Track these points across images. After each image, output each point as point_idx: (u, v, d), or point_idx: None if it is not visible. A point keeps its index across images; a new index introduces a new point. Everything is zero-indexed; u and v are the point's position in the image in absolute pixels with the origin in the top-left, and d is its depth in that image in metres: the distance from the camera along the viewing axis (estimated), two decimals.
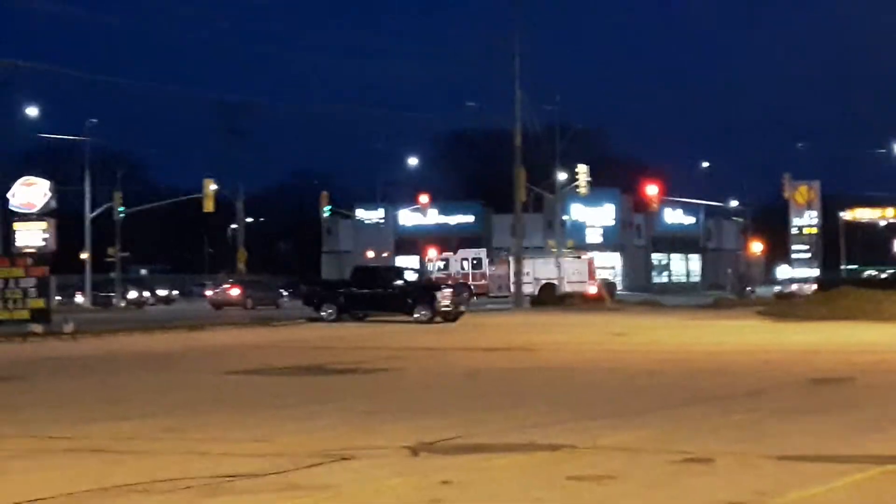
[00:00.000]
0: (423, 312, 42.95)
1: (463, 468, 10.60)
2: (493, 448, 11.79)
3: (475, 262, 71.28)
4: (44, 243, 51.89)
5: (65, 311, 47.10)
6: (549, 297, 65.30)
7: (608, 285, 73.64)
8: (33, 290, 35.25)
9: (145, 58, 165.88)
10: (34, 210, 53.43)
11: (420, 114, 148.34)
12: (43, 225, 53.50)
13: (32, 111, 73.29)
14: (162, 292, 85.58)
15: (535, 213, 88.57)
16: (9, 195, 54.30)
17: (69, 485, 9.92)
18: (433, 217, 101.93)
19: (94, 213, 78.60)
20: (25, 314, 35.19)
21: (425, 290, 44.81)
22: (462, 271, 69.77)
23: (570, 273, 70.32)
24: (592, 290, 70.11)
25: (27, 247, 50.93)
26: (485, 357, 25.74)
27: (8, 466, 10.99)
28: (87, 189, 77.90)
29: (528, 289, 66.52)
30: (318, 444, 12.03)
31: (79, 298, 75.73)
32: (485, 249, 76.64)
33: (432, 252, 78.46)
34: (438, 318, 42.79)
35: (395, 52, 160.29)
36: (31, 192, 54.63)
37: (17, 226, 54.61)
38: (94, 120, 78.93)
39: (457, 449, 11.76)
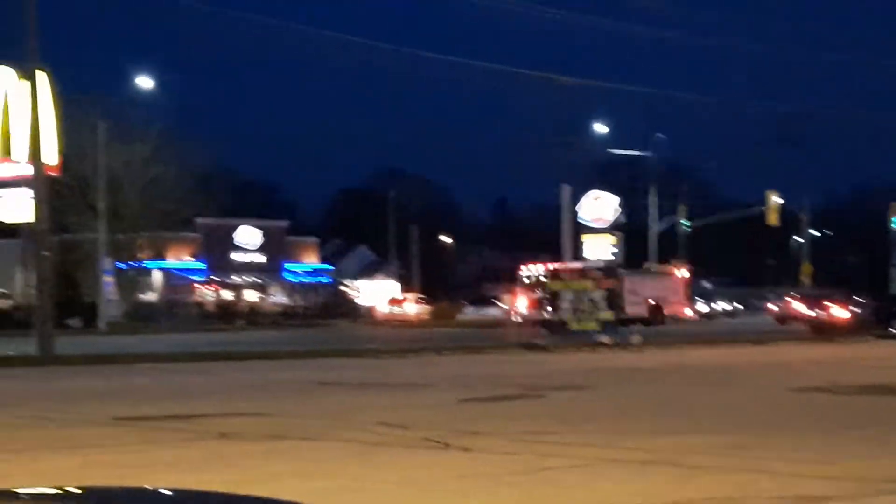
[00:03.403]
0: None
1: None
2: None
3: None
4: (611, 256, 53.61)
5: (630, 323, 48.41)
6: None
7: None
8: (602, 301, 36.59)
9: (710, 72, 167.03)
10: (603, 224, 55.35)
11: None
12: (611, 238, 55.31)
13: (601, 127, 76.14)
14: (723, 305, 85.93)
15: None
16: (578, 209, 56.63)
17: (637, 497, 10.22)
18: None
19: (660, 227, 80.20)
20: (594, 325, 36.59)
21: None
22: None
23: (670, 292, 61.22)
24: (688, 311, 61.86)
25: (595, 260, 52.87)
26: None
27: (587, 475, 11.48)
28: (653, 203, 79.64)
29: (638, 310, 57.62)
30: (889, 470, 11.58)
31: None
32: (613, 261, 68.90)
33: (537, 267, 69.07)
34: None
35: None
36: (599, 207, 56.75)
37: (585, 239, 56.86)
38: (661, 135, 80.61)
39: None
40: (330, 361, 31.36)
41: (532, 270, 63.68)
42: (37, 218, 33.05)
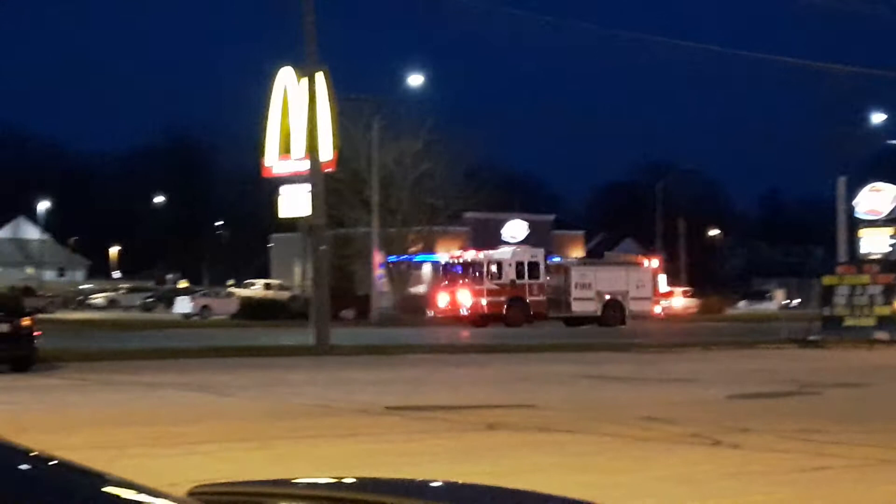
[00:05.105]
0: None
1: None
2: None
3: (531, 266, 53.54)
4: (889, 249, 51.63)
5: None
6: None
7: None
8: (879, 297, 35.25)
9: None
10: (880, 216, 53.31)
11: None
12: (889, 231, 53.24)
13: (878, 117, 73.36)
14: None
15: None
16: (854, 202, 54.70)
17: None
18: None
19: None
20: (871, 321, 35.27)
21: None
22: (518, 281, 52.85)
23: (633, 286, 53.02)
24: (658, 308, 54.49)
25: (871, 254, 51.06)
26: None
27: (864, 475, 11.08)
28: None
29: (589, 307, 51.59)
30: None
31: None
32: (542, 249, 58.05)
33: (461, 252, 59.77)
34: None
35: None
36: (877, 199, 54.63)
37: (861, 232, 54.96)
38: None
39: None
40: (596, 355, 31.31)
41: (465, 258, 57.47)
42: (313, 213, 34.20)
